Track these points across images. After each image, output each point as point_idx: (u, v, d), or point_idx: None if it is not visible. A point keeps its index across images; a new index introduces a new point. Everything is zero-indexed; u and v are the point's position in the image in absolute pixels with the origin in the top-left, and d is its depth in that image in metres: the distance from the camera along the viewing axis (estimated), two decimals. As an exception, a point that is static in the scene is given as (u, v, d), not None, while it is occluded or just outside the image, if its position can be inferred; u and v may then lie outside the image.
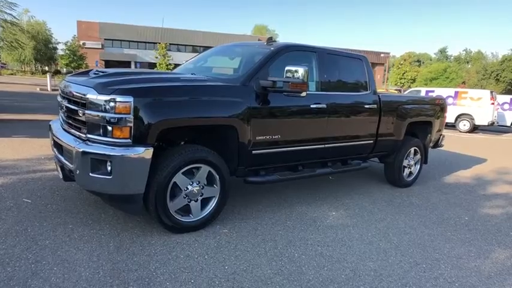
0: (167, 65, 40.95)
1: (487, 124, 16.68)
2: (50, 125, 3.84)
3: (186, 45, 49.09)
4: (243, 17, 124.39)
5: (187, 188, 3.22)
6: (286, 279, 2.73)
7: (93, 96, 2.86)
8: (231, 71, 4.17)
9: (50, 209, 3.54)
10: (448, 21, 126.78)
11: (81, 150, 2.86)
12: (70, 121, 3.25)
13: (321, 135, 4.19)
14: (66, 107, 3.26)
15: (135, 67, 44.44)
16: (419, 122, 5.57)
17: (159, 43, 41.77)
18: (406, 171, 5.64)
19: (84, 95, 2.94)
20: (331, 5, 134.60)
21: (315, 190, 4.95)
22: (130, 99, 2.80)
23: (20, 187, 4.04)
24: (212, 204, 3.43)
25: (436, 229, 4.04)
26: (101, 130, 2.88)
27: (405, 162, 5.56)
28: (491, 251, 3.61)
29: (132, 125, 2.83)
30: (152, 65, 44.53)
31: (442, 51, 77.82)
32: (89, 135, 2.93)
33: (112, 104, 2.80)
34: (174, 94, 3.07)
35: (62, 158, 3.22)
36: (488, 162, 8.66)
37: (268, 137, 3.68)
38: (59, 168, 3.36)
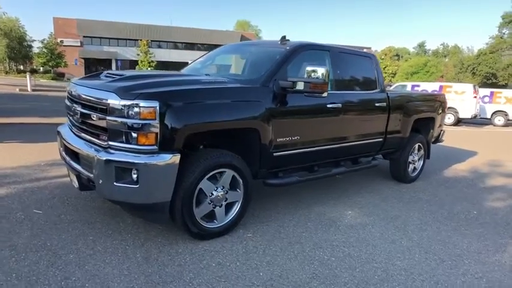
0: (149, 62, 40.20)
1: (470, 117, 17.17)
2: (58, 131, 3.66)
3: (167, 41, 48.31)
4: (224, 13, 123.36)
5: (212, 194, 3.13)
6: (323, 284, 2.70)
7: (115, 101, 2.73)
8: (247, 72, 4.08)
9: (64, 219, 3.38)
10: (426, 16, 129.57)
11: (104, 158, 2.73)
12: (85, 127, 3.10)
13: (337, 134, 4.17)
14: (81, 112, 3.10)
15: (116, 65, 43.44)
16: (423, 118, 5.63)
17: (140, 40, 40.89)
18: (411, 167, 5.70)
19: (105, 100, 2.80)
20: (312, 0, 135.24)
21: (326, 189, 4.94)
22: (156, 103, 2.69)
23: (26, 197, 3.85)
24: (236, 208, 3.36)
25: (450, 224, 4.10)
26: (124, 137, 2.76)
27: (410, 158, 5.62)
28: (507, 245, 3.68)
29: (158, 130, 2.72)
30: (133, 63, 43.66)
31: (421, 45, 79.51)
32: (110, 143, 2.80)
33: (136, 109, 2.68)
34: (199, 97, 2.97)
35: (79, 167, 3.08)
36: (479, 155, 8.89)
37: (288, 139, 3.62)
38: (74, 178, 3.20)
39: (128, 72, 3.37)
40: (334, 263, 3.02)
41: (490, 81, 46.33)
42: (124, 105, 2.70)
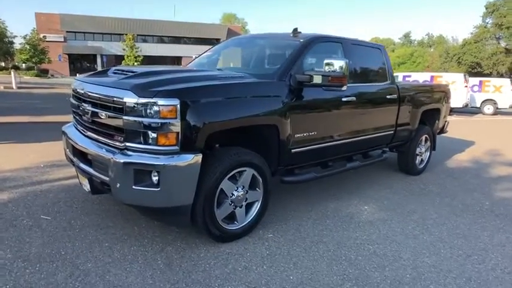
0: (135, 57, 39.42)
1: (461, 106, 17.32)
2: (64, 131, 3.46)
3: (153, 35, 47.45)
4: (210, 6, 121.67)
5: (233, 194, 3.00)
6: (356, 285, 2.60)
7: (132, 99, 2.55)
8: (261, 66, 3.92)
9: (75, 225, 3.20)
10: (410, 6, 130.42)
11: (122, 161, 2.56)
12: (97, 127, 2.91)
13: (351, 128, 4.07)
14: (92, 112, 2.90)
15: (101, 60, 42.50)
16: (430, 110, 5.57)
17: (126, 34, 40.01)
18: (418, 159, 5.66)
19: (120, 98, 2.61)
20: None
21: (337, 184, 4.85)
22: (176, 101, 2.52)
23: (31, 202, 3.64)
24: (256, 208, 3.23)
25: (467, 217, 4.06)
26: (142, 137, 2.59)
27: (417, 150, 5.57)
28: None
29: (179, 130, 2.55)
30: (119, 58, 42.73)
31: (407, 36, 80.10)
32: (127, 144, 2.63)
33: (155, 107, 2.51)
34: (220, 94, 2.81)
35: (91, 170, 2.89)
36: (476, 144, 8.93)
37: (305, 134, 3.50)
38: (85, 181, 3.01)
39: (140, 69, 3.18)
40: (362, 262, 2.93)
41: (475, 70, 46.95)
42: (142, 104, 2.52)
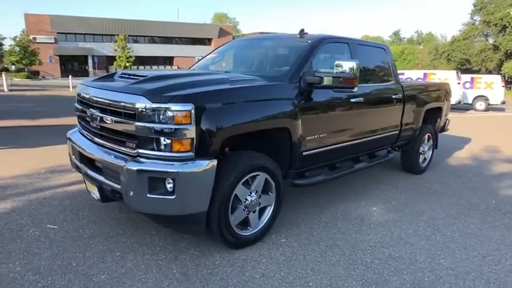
0: (127, 58, 39.05)
1: (454, 103, 17.45)
2: (69, 137, 3.37)
3: (144, 36, 47.05)
4: (201, 6, 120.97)
5: (247, 200, 2.94)
6: (378, 291, 2.56)
7: (145, 105, 2.48)
8: (269, 68, 3.85)
9: (83, 234, 3.11)
10: (400, 4, 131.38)
11: (135, 168, 2.48)
12: (106, 133, 2.83)
13: (359, 129, 4.05)
14: (101, 117, 2.82)
15: (93, 61, 41.98)
16: (432, 108, 5.57)
17: (117, 35, 39.58)
18: (421, 157, 5.66)
19: (132, 104, 2.54)
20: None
21: (343, 185, 4.81)
22: (191, 106, 2.46)
23: (35, 211, 3.54)
24: (268, 213, 3.18)
25: (475, 216, 4.05)
26: (156, 144, 2.51)
27: (420, 149, 5.57)
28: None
29: (193, 135, 2.49)
30: (110, 58, 42.31)
31: (396, 33, 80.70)
32: (140, 150, 2.55)
33: (169, 113, 2.44)
34: (233, 97, 2.75)
35: (101, 177, 2.81)
36: (473, 141, 8.97)
37: (316, 136, 3.46)
38: (94, 188, 2.93)
39: (149, 73, 3.10)
40: (379, 266, 2.90)
41: (465, 66, 47.37)
42: (155, 110, 2.45)
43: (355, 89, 3.30)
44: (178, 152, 2.49)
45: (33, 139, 6.68)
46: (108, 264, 2.67)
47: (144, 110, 2.48)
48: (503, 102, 19.64)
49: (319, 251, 3.07)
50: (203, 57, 4.54)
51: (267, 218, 3.16)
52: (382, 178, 5.31)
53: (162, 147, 2.50)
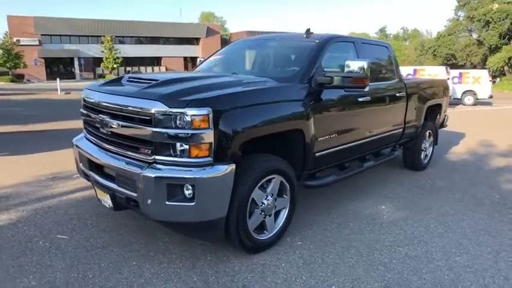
0: (115, 59, 38.49)
1: (444, 98, 17.71)
2: (75, 144, 3.27)
3: (131, 36, 46.45)
4: (187, 5, 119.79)
5: (263, 203, 2.90)
6: (401, 292, 2.55)
7: (161, 110, 2.41)
8: (278, 69, 3.81)
9: (95, 244, 3.03)
10: (386, 1, 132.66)
11: (153, 175, 2.42)
12: (118, 140, 2.75)
13: (367, 128, 4.05)
14: (112, 123, 2.73)
15: (79, 63, 41.26)
16: (433, 105, 5.61)
17: (103, 36, 38.96)
18: (423, 154, 5.70)
19: (148, 109, 2.47)
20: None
21: (350, 185, 4.80)
22: (209, 110, 2.40)
23: (42, 220, 3.44)
24: (283, 216, 3.15)
25: (482, 211, 4.09)
26: (173, 150, 2.46)
27: (422, 146, 5.61)
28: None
29: (212, 140, 2.43)
30: (97, 60, 41.63)
31: (382, 30, 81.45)
32: (156, 157, 2.48)
33: (187, 118, 2.38)
34: (249, 100, 2.71)
35: (113, 185, 2.74)
36: (468, 135, 9.08)
37: (327, 137, 3.44)
38: (105, 197, 2.85)
39: (158, 76, 3.03)
40: (398, 265, 2.89)
41: (450, 61, 48.13)
42: (173, 114, 2.39)
43: (366, 89, 3.29)
44: (196, 157, 2.44)
45: (28, 145, 6.51)
46: (126, 275, 2.60)
47: (160, 115, 2.41)
48: (491, 97, 19.99)
49: (336, 253, 3.04)
50: (206, 59, 4.47)
51: (282, 221, 3.13)
52: (386, 176, 5.32)
53: (180, 152, 2.44)
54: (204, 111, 2.39)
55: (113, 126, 2.73)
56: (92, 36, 42.66)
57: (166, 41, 49.34)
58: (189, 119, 2.38)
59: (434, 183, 5.10)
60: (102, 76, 41.31)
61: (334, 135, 3.52)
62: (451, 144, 7.92)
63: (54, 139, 7.10)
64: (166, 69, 48.10)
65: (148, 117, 2.47)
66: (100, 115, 2.85)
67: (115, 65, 38.95)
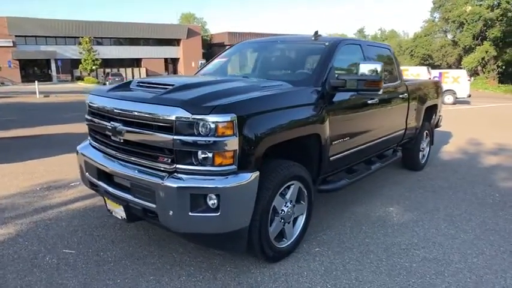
0: (93, 61, 37.54)
1: (426, 98, 18.12)
2: (81, 153, 3.10)
3: (109, 37, 45.41)
4: (166, 6, 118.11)
5: (283, 210, 2.82)
6: (429, 297, 2.52)
7: (183, 116, 2.29)
8: (290, 72, 3.73)
9: (106, 258, 2.87)
10: (364, 2, 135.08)
11: (175, 186, 2.30)
12: (134, 148, 2.60)
13: (375, 130, 4.04)
14: (127, 131, 2.59)
15: (56, 65, 39.99)
16: (431, 106, 5.68)
17: (81, 37, 37.91)
18: (421, 154, 5.76)
19: (168, 115, 2.34)
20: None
21: (353, 188, 4.77)
22: (233, 116, 2.30)
23: (44, 234, 3.24)
24: (301, 222, 3.08)
25: (486, 211, 4.14)
26: (196, 158, 2.34)
27: (420, 146, 5.66)
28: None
29: (236, 147, 2.34)
30: (75, 62, 40.50)
31: (361, 31, 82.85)
32: (178, 166, 2.36)
33: (211, 125, 2.27)
34: (271, 105, 2.63)
35: (128, 196, 2.59)
36: (455, 134, 9.25)
37: (341, 140, 3.40)
38: (118, 208, 2.70)
39: (172, 80, 2.90)
40: (420, 269, 2.87)
41: (427, 62, 49.45)
42: (196, 121, 2.28)
43: (380, 92, 3.26)
44: (220, 165, 2.33)
45: (15, 153, 6.20)
46: (145, 290, 2.47)
47: (182, 122, 2.30)
48: (469, 96, 20.62)
49: (355, 258, 3.00)
50: (209, 61, 4.35)
51: (300, 228, 3.06)
52: (386, 177, 5.33)
53: (203, 161, 2.33)
54: (229, 117, 2.29)
55: (127, 134, 2.59)
56: (69, 38, 41.43)
57: (146, 42, 48.54)
58: (213, 126, 2.27)
59: (435, 183, 5.15)
60: (80, 78, 40.24)
61: (346, 138, 3.48)
62: (441, 143, 8.06)
63: (42, 145, 6.81)
64: (147, 71, 47.34)
65: (168, 125, 2.35)
66: (112, 122, 2.69)
67: (94, 67, 38.00)
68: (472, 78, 39.95)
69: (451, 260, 3.03)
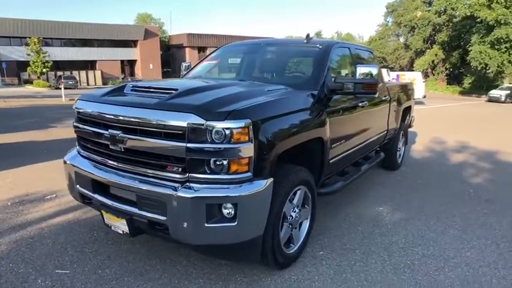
0: (44, 63, 35.33)
1: (386, 98, 18.95)
2: (71, 164, 2.86)
3: (60, 38, 42.97)
4: (122, 6, 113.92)
5: (292, 216, 2.79)
6: (436, 293, 2.60)
7: (197, 123, 2.18)
8: (286, 75, 3.68)
9: (106, 276, 2.66)
10: (322, 6, 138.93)
11: (191, 196, 2.19)
12: (136, 157, 2.44)
13: (365, 132, 4.12)
14: (129, 139, 2.42)
15: (0, 67, 37.10)
16: (406, 107, 5.92)
17: (29, 38, 35.52)
18: (398, 154, 5.98)
19: (179, 122, 2.22)
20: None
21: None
22: (248, 122, 2.23)
23: (29, 254, 2.95)
24: (305, 227, 3.06)
25: (466, 206, 4.39)
26: (209, 166, 2.24)
27: (398, 146, 5.88)
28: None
29: (252, 154, 2.27)
30: (22, 64, 37.88)
31: (318, 34, 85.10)
32: (192, 175, 2.25)
33: (227, 131, 2.18)
34: (282, 109, 2.58)
35: (133, 209, 2.43)
36: (420, 133, 9.68)
37: (338, 143, 3.43)
38: (118, 221, 2.52)
39: (171, 84, 2.76)
40: (422, 267, 2.95)
41: (382, 64, 51.87)
42: (210, 128, 2.18)
43: (376, 95, 3.33)
44: (235, 173, 2.25)
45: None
46: (158, 309, 2.32)
47: (195, 128, 2.19)
48: (424, 96, 21.86)
49: (360, 260, 3.03)
50: (198, 64, 4.20)
51: (304, 233, 3.04)
52: (368, 178, 5.42)
53: (217, 169, 2.24)
54: (244, 123, 2.21)
55: (130, 142, 2.42)
56: (14, 38, 38.61)
57: (101, 43, 46.46)
58: (229, 132, 2.18)
59: (414, 182, 5.36)
60: (29, 82, 37.71)
61: (342, 140, 3.52)
62: (410, 143, 8.38)
63: (4, 155, 6.26)
64: (102, 73, 45.35)
65: (179, 132, 2.22)
66: (111, 130, 2.51)
67: (44, 70, 35.79)
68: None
69: (448, 256, 3.15)
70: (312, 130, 2.89)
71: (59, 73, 39.42)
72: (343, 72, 3.92)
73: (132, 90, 2.80)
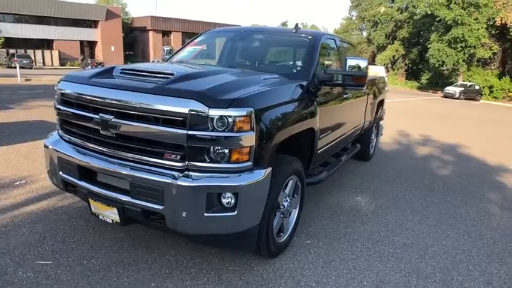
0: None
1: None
2: (53, 148, 2.68)
3: (12, 13, 39.85)
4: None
5: (284, 205, 2.80)
6: (419, 279, 2.73)
7: (198, 110, 2.10)
8: (276, 64, 3.64)
9: (92, 267, 2.54)
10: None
11: (191, 185, 2.12)
12: (131, 144, 2.31)
13: (347, 123, 4.20)
14: (123, 124, 2.29)
15: None
16: (381, 100, 6.11)
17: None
18: (371, 145, 6.18)
19: (180, 109, 2.13)
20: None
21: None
22: (251, 111, 2.19)
23: (4, 244, 2.73)
24: (294, 216, 3.09)
25: (437, 196, 4.64)
26: (210, 155, 2.18)
27: (371, 137, 6.07)
28: (491, 208, 4.35)
29: (253, 143, 2.23)
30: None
31: (284, 24, 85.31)
32: (191, 163, 2.18)
33: (229, 119, 2.13)
34: (280, 98, 2.56)
35: (125, 198, 2.32)
36: (387, 127, 10.08)
37: (325, 134, 3.48)
38: (109, 211, 2.40)
39: (165, 68, 2.64)
40: (404, 254, 3.09)
41: (346, 58, 53.16)
42: (212, 115, 2.11)
43: (365, 87, 3.39)
44: (236, 162, 2.21)
45: None
46: (153, 301, 2.26)
47: (197, 116, 2.11)
48: (387, 91, 22.69)
49: (346, 248, 3.11)
50: (181, 48, 4.05)
51: (293, 222, 3.07)
52: (343, 168, 5.57)
53: (218, 157, 2.18)
54: (246, 111, 2.17)
55: (124, 127, 2.30)
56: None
57: (59, 22, 43.67)
58: (231, 121, 2.13)
59: (386, 173, 5.57)
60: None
61: (329, 131, 3.57)
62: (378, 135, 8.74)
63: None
64: (60, 53, 42.78)
65: (180, 118, 2.13)
66: (101, 114, 2.36)
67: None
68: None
69: (427, 244, 3.32)
70: (307, 120, 2.90)
71: (11, 51, 36.70)
72: (328, 63, 3.95)
73: (122, 73, 2.65)
